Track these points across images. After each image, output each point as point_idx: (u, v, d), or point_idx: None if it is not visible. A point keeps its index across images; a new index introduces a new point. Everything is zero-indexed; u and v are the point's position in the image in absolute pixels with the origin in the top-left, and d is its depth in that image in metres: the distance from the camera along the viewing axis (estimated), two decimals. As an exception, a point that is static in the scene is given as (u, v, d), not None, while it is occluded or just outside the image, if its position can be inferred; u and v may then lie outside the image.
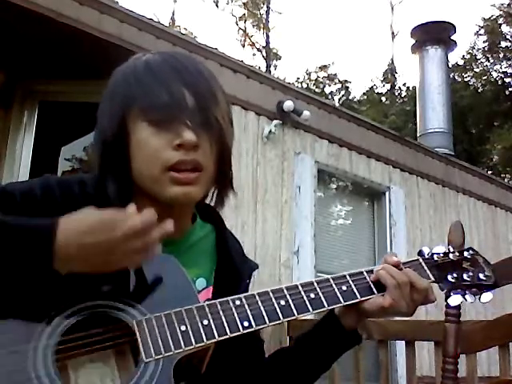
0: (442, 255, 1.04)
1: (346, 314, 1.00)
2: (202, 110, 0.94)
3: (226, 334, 0.86)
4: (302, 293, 0.93)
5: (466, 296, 1.02)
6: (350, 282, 0.96)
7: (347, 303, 0.95)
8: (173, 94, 0.92)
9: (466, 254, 1.06)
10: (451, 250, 1.06)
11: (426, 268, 1.01)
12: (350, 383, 2.69)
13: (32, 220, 0.81)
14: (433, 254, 1.04)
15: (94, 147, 1.00)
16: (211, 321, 0.86)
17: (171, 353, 0.83)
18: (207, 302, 0.89)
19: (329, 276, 0.96)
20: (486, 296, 1.03)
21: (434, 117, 10.86)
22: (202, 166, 0.94)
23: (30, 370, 0.78)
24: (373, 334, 2.30)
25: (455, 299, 1.02)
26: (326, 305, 0.93)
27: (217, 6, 24.37)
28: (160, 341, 0.83)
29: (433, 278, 1.01)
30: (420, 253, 1.04)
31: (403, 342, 2.62)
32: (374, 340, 2.70)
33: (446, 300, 1.04)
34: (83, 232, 0.79)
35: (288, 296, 0.92)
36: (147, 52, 1.03)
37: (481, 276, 1.03)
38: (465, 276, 1.02)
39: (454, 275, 1.02)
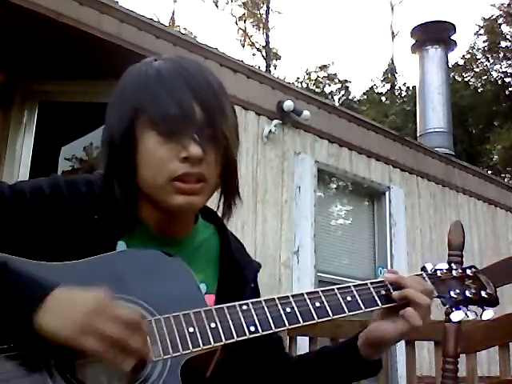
0: (444, 271, 1.06)
1: (366, 346, 1.02)
2: (211, 125, 0.95)
3: (233, 337, 0.87)
4: (308, 301, 0.94)
5: (468, 312, 1.04)
6: (355, 292, 0.97)
7: (351, 313, 0.96)
8: (182, 107, 0.93)
9: (468, 271, 1.08)
10: (454, 266, 1.08)
11: (429, 283, 1.02)
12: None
13: (31, 277, 0.81)
14: (436, 269, 1.06)
15: (101, 147, 1.01)
16: (218, 324, 0.87)
17: (179, 353, 0.83)
18: (215, 306, 0.90)
19: (334, 286, 0.97)
20: (488, 313, 1.04)
21: (434, 117, 10.87)
22: (206, 178, 0.95)
23: (43, 368, 0.79)
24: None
25: (457, 315, 1.04)
26: (330, 314, 0.94)
27: (216, 5, 24.39)
28: (168, 341, 0.84)
29: (436, 293, 1.02)
30: (423, 268, 1.05)
31: (403, 341, 2.62)
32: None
33: (447, 315, 1.05)
34: (76, 291, 0.81)
35: (294, 303, 0.93)
36: (158, 57, 1.03)
37: (483, 294, 1.05)
38: (467, 293, 1.04)
39: (457, 291, 1.03)
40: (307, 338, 2.85)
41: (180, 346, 0.84)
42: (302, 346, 2.87)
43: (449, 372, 1.52)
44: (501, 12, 19.25)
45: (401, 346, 4.05)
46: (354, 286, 0.98)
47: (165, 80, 0.96)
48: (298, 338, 2.99)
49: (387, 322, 0.98)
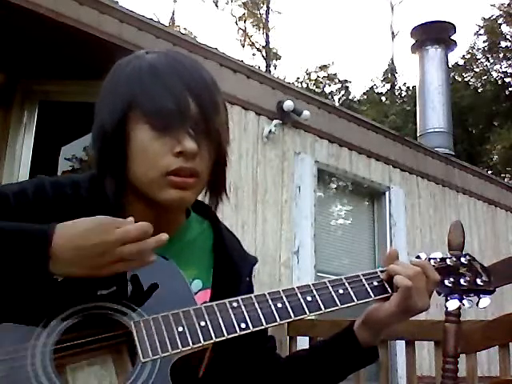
0: (438, 260, 1.06)
1: (363, 329, 1.01)
2: (204, 120, 0.94)
3: (223, 335, 0.86)
4: (299, 295, 0.93)
5: (464, 301, 1.04)
6: (347, 285, 0.96)
7: (344, 306, 0.95)
8: (177, 101, 0.93)
9: (462, 259, 1.07)
10: (448, 255, 1.08)
11: (416, 267, 1.01)
12: (350, 383, 2.69)
13: (27, 225, 0.83)
14: (430, 258, 1.05)
15: (93, 142, 0.99)
16: (208, 322, 0.86)
17: (168, 353, 0.83)
18: (204, 304, 0.89)
19: (325, 280, 0.97)
20: (484, 301, 1.04)
21: (434, 117, 10.87)
22: (198, 173, 0.95)
23: (29, 370, 0.79)
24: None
25: (453, 304, 1.04)
26: (322, 307, 0.93)
27: (216, 5, 24.39)
28: (157, 341, 0.83)
29: (432, 274, 1.01)
30: (417, 258, 1.05)
31: (403, 341, 2.62)
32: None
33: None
34: (78, 235, 0.82)
35: (285, 298, 0.92)
36: (150, 50, 1.02)
37: (478, 281, 1.04)
38: (462, 281, 1.03)
39: (451, 280, 1.03)
40: (307, 338, 2.86)
41: (169, 346, 0.83)
42: (302, 346, 2.87)
43: (449, 372, 1.52)
44: (501, 12, 19.24)
45: (401, 346, 4.05)
46: (346, 278, 0.97)
47: (159, 73, 0.95)
48: (298, 338, 3.00)
49: (383, 303, 0.98)
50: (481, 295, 1.04)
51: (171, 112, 0.92)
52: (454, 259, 1.07)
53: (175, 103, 0.92)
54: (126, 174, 0.96)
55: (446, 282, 1.03)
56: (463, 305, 1.04)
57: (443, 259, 1.06)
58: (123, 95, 0.95)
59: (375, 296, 0.97)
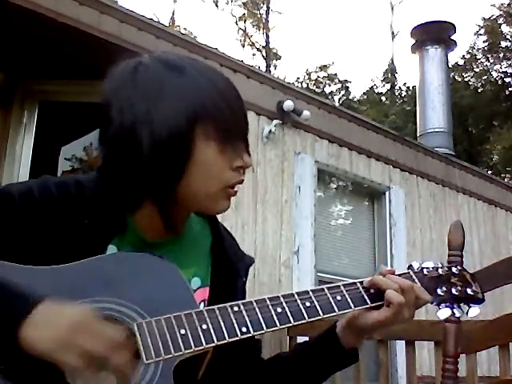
0: (431, 269, 1.08)
1: (346, 332, 1.04)
2: (247, 132, 1.00)
3: (225, 338, 0.87)
4: (298, 301, 0.95)
5: (455, 310, 1.06)
6: (344, 292, 0.98)
7: (341, 312, 0.97)
8: (240, 117, 0.98)
9: (453, 269, 1.10)
10: (439, 265, 1.10)
11: (416, 280, 1.04)
12: (350, 382, 2.69)
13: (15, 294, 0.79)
14: (422, 268, 1.08)
15: (146, 151, 0.91)
16: (210, 325, 0.87)
17: (171, 355, 0.83)
18: (206, 308, 0.91)
19: (324, 286, 0.99)
20: (474, 310, 1.07)
21: (434, 117, 10.87)
22: None
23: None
24: (373, 334, 2.32)
25: (444, 312, 1.07)
26: (321, 313, 0.95)
27: (216, 5, 24.40)
28: (160, 343, 0.84)
29: (420, 287, 1.03)
30: (410, 267, 1.08)
31: (403, 341, 2.63)
32: (374, 340, 2.70)
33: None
34: (62, 305, 0.79)
35: (284, 303, 0.94)
36: (190, 59, 1.02)
37: (468, 291, 1.07)
38: (453, 290, 1.06)
39: (443, 289, 1.06)
40: (307, 338, 2.86)
41: (172, 348, 0.84)
42: (302, 346, 2.87)
43: (449, 372, 1.52)
44: (501, 12, 19.26)
45: (401, 346, 4.06)
46: (344, 285, 0.99)
47: (220, 88, 0.98)
48: (298, 338, 3.00)
49: (370, 311, 1.00)
50: (471, 304, 1.07)
51: (237, 128, 0.96)
52: (446, 269, 1.09)
53: (239, 119, 0.97)
54: (176, 183, 0.93)
55: (439, 290, 1.05)
56: (454, 314, 1.06)
57: (435, 268, 1.09)
58: (187, 109, 0.92)
59: (372, 303, 0.99)
